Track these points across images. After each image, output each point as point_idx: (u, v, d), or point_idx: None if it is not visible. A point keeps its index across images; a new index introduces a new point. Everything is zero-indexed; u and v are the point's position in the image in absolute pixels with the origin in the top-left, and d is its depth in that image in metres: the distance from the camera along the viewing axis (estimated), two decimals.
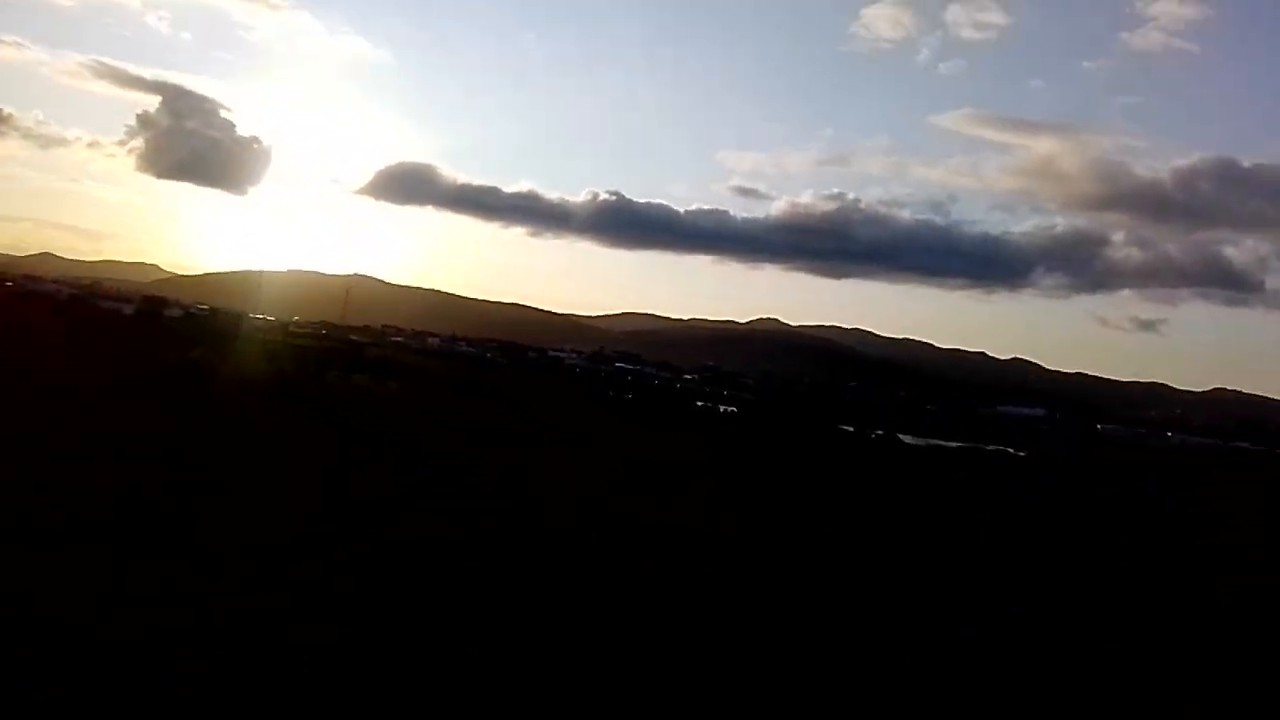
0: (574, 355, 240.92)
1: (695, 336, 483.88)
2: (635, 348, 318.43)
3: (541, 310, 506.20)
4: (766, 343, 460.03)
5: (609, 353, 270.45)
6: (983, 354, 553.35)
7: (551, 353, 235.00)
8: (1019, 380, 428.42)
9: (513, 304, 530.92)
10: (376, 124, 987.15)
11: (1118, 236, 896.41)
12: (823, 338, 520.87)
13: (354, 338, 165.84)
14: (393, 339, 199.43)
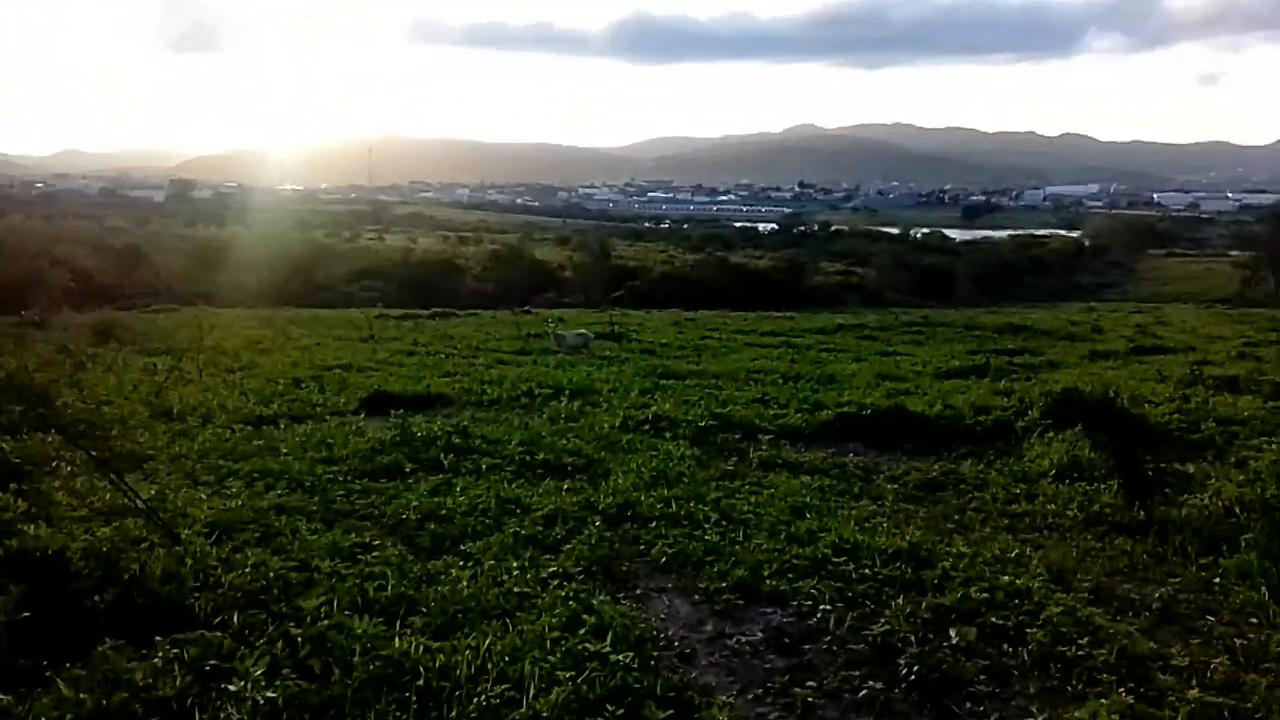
0: (605, 189, 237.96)
1: (728, 153, 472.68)
2: (667, 174, 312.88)
3: (569, 147, 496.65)
4: (803, 151, 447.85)
5: (640, 182, 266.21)
6: (1031, 133, 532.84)
7: (582, 189, 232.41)
8: (1072, 158, 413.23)
9: (539, 144, 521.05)
10: None
11: None
12: (860, 138, 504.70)
13: (383, 197, 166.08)
14: (422, 194, 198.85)
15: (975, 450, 9.64)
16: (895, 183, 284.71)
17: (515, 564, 6.01)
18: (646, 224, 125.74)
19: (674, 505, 7.31)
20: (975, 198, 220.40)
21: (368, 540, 6.35)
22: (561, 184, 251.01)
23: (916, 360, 19.29)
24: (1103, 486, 7.94)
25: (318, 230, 69.22)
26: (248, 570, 5.38)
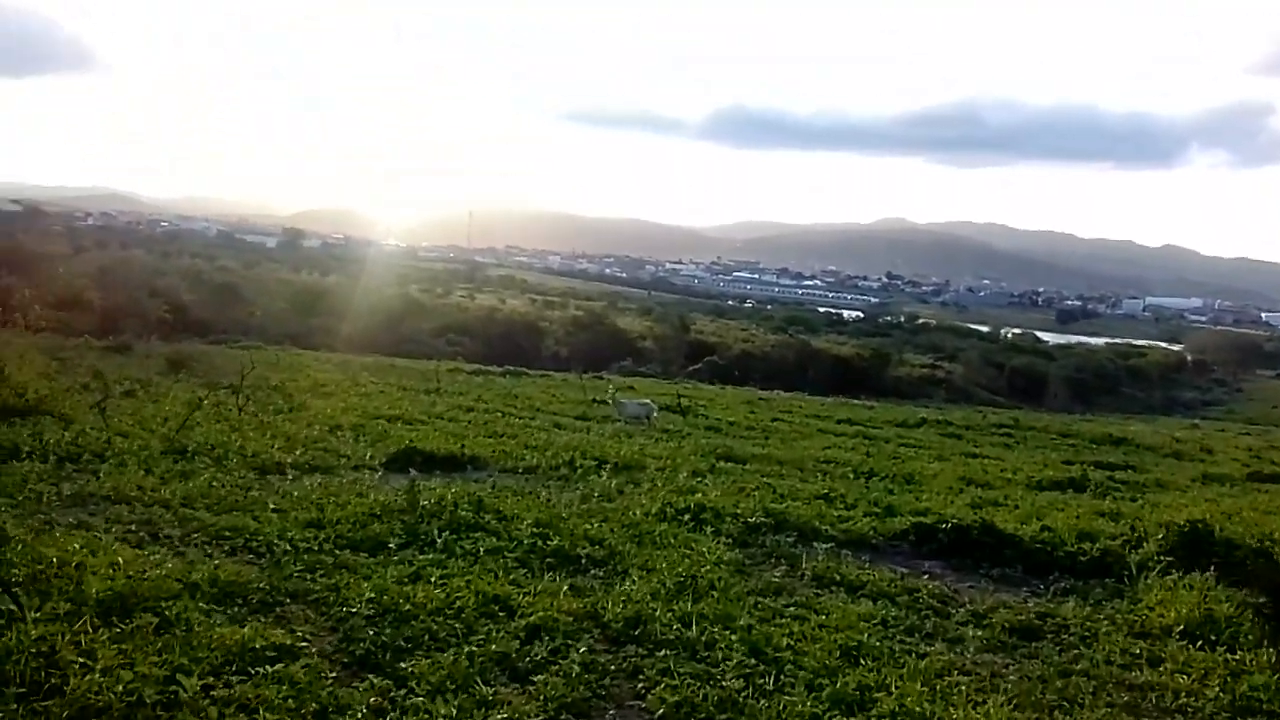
0: (692, 265, 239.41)
1: (816, 240, 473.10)
2: (754, 255, 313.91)
3: (660, 225, 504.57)
4: (892, 242, 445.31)
5: (727, 262, 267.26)
6: (1129, 242, 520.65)
7: (669, 264, 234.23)
8: (1172, 269, 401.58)
9: (630, 220, 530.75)
10: None
11: None
12: (951, 234, 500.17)
13: (478, 259, 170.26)
14: (515, 259, 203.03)
15: (1078, 586, 7.92)
16: (986, 280, 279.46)
17: (458, 701, 4.57)
18: (730, 302, 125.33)
19: (695, 627, 5.91)
20: (1070, 302, 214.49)
21: (290, 642, 4.92)
22: (650, 259, 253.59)
23: (1006, 466, 17.80)
24: (1251, 657, 6.22)
25: (413, 285, 70.63)
26: (96, 678, 4.04)
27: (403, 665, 4.93)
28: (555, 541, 7.33)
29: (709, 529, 8.27)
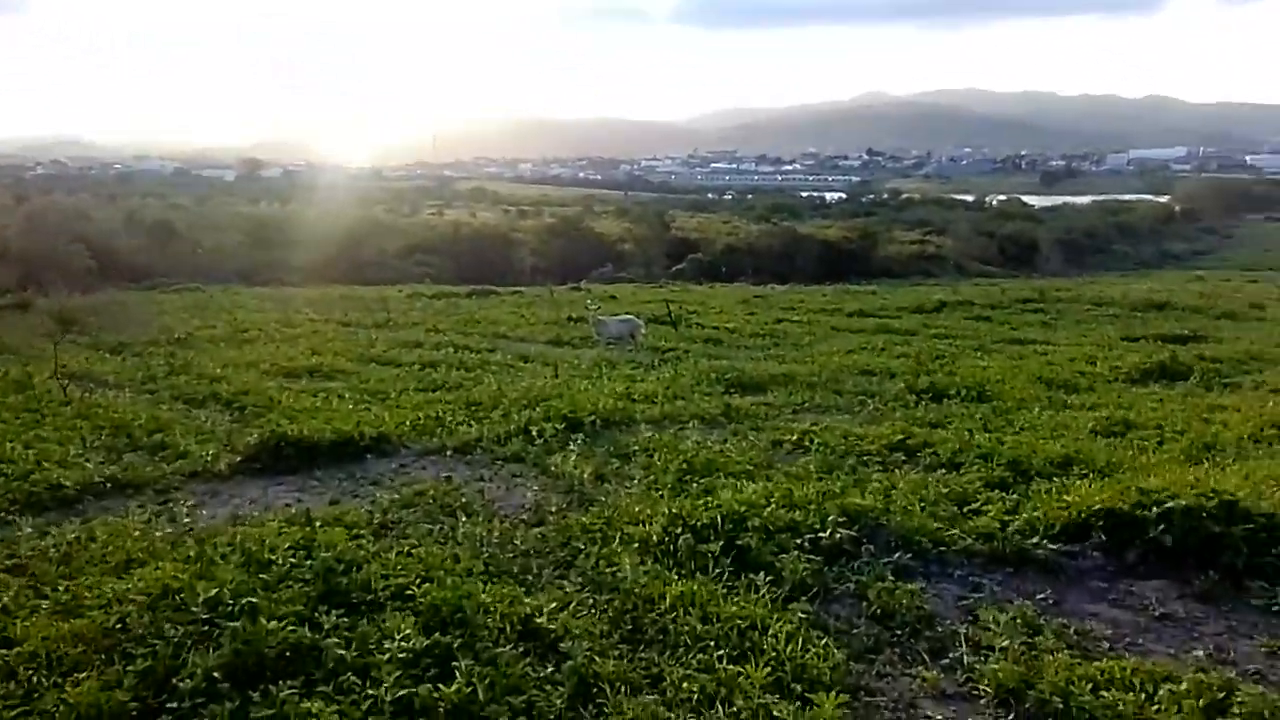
0: (668, 161, 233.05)
1: (794, 122, 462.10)
2: (731, 145, 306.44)
3: (632, 120, 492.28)
4: (872, 119, 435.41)
5: (704, 154, 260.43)
6: (1112, 95, 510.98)
7: (645, 162, 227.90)
8: (1156, 120, 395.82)
9: (603, 119, 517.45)
10: None
11: None
12: (931, 103, 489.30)
13: (447, 173, 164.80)
14: (485, 170, 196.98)
15: None
16: (968, 149, 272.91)
17: None
18: (709, 195, 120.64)
19: None
20: (1054, 163, 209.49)
21: None
22: (624, 158, 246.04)
23: (1066, 353, 14.90)
24: None
25: (378, 206, 66.57)
26: None
27: None
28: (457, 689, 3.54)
29: (762, 577, 4.56)
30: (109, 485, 6.47)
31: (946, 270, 48.92)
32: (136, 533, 5.18)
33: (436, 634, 3.92)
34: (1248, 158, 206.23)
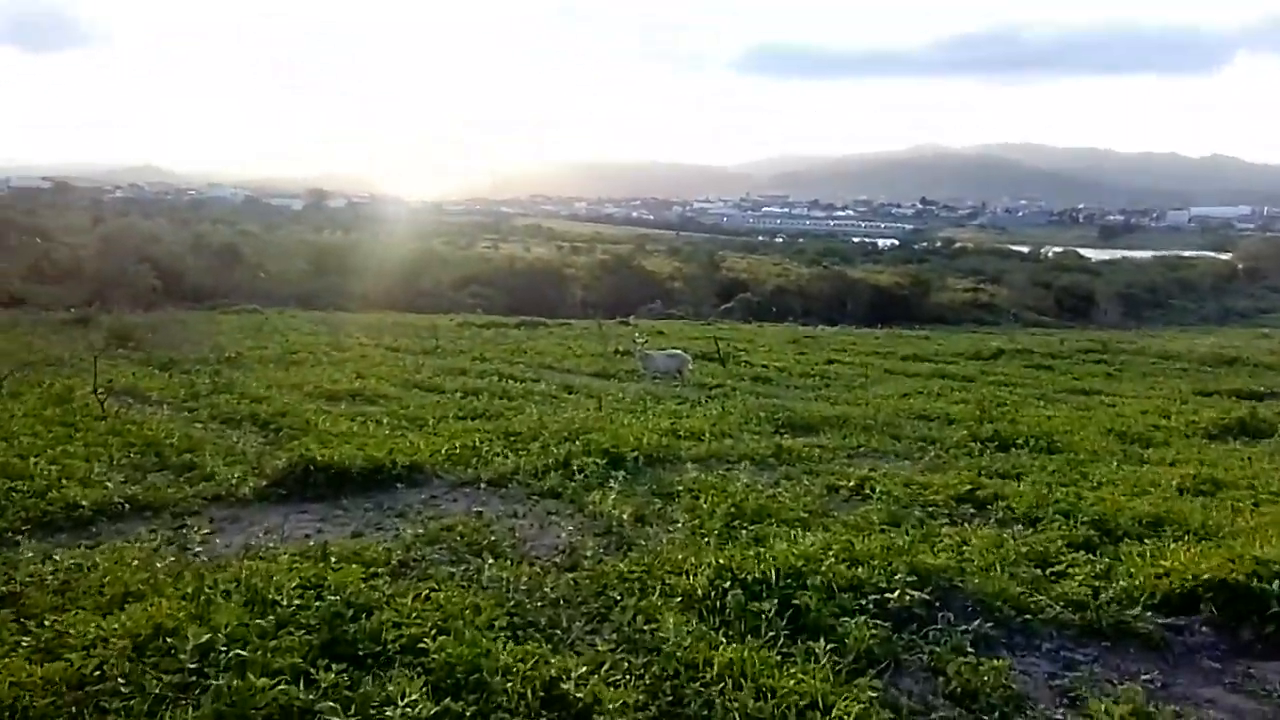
0: (720, 203, 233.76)
1: (847, 171, 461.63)
2: (784, 190, 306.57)
3: (686, 164, 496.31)
4: (927, 169, 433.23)
5: (756, 197, 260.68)
6: (1173, 154, 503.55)
7: (697, 203, 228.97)
8: (1218, 179, 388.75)
9: (657, 162, 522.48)
10: None
11: None
12: (988, 156, 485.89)
13: (504, 209, 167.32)
14: (541, 208, 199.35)
15: None
16: (1024, 201, 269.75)
17: None
18: (760, 238, 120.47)
19: None
20: (1113, 217, 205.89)
21: None
22: (677, 199, 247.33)
23: (1136, 405, 14.11)
24: None
25: (437, 239, 67.50)
26: None
27: None
28: None
29: (822, 644, 3.95)
30: (127, 506, 6.12)
31: (1000, 319, 48.53)
32: (136, 562, 4.76)
33: (448, 699, 3.43)
34: None
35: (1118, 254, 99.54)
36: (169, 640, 3.73)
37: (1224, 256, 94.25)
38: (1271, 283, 76.46)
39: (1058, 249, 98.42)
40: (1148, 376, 20.51)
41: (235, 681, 3.38)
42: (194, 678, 3.52)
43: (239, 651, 3.58)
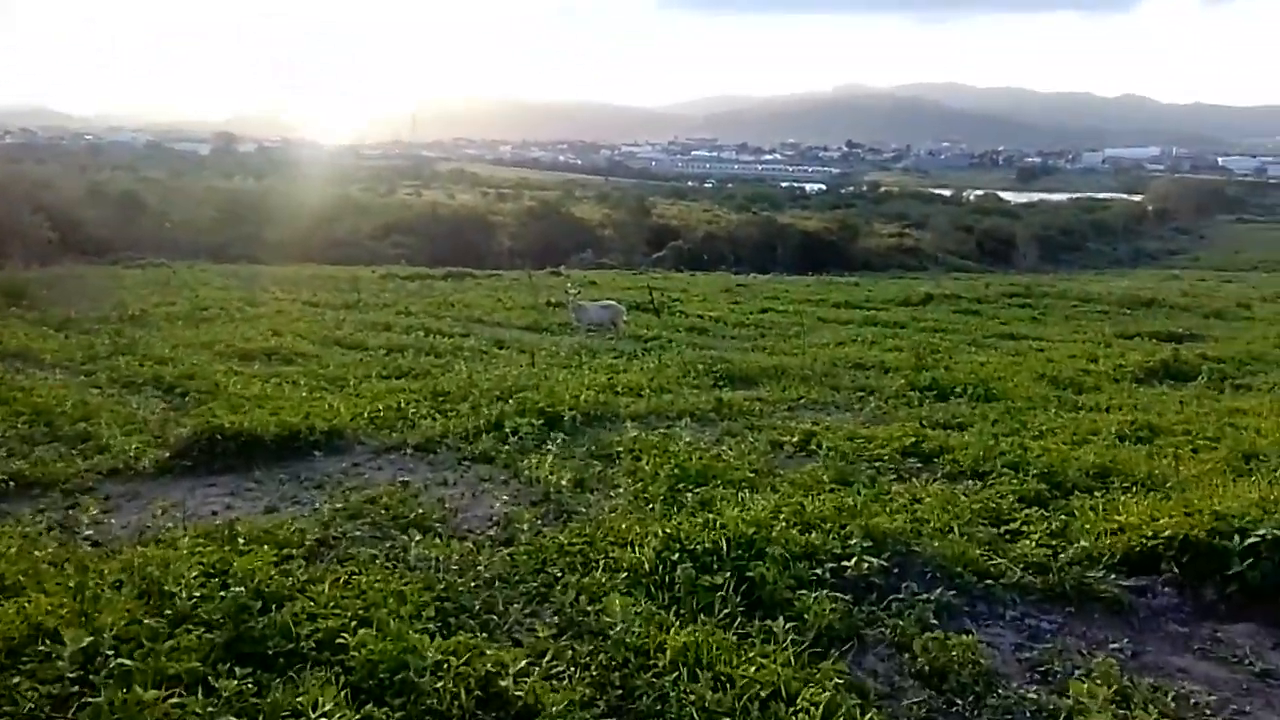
0: (649, 147, 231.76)
1: (775, 112, 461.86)
2: (712, 133, 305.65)
3: (613, 105, 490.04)
4: (852, 110, 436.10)
5: (684, 141, 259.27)
6: (1088, 94, 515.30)
7: (625, 147, 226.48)
8: (1131, 119, 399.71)
9: (584, 103, 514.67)
10: None
11: None
12: (911, 97, 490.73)
13: (425, 153, 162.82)
14: (464, 152, 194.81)
15: None
16: (946, 143, 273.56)
17: None
18: (690, 183, 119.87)
19: None
20: (1030, 159, 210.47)
21: None
22: (605, 143, 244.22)
23: (1064, 350, 14.29)
24: None
25: (354, 185, 65.21)
26: None
27: None
28: None
29: (782, 623, 3.68)
30: (11, 484, 5.58)
31: (925, 263, 49.36)
32: (14, 550, 4.22)
33: (370, 705, 3.08)
34: (1219, 159, 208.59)
35: (1035, 196, 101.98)
36: (47, 643, 3.29)
37: (1136, 198, 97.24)
38: (1180, 224, 79.50)
39: (979, 192, 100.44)
40: (1070, 320, 20.95)
41: (121, 693, 2.94)
42: (75, 688, 3.08)
43: (123, 661, 3.12)
